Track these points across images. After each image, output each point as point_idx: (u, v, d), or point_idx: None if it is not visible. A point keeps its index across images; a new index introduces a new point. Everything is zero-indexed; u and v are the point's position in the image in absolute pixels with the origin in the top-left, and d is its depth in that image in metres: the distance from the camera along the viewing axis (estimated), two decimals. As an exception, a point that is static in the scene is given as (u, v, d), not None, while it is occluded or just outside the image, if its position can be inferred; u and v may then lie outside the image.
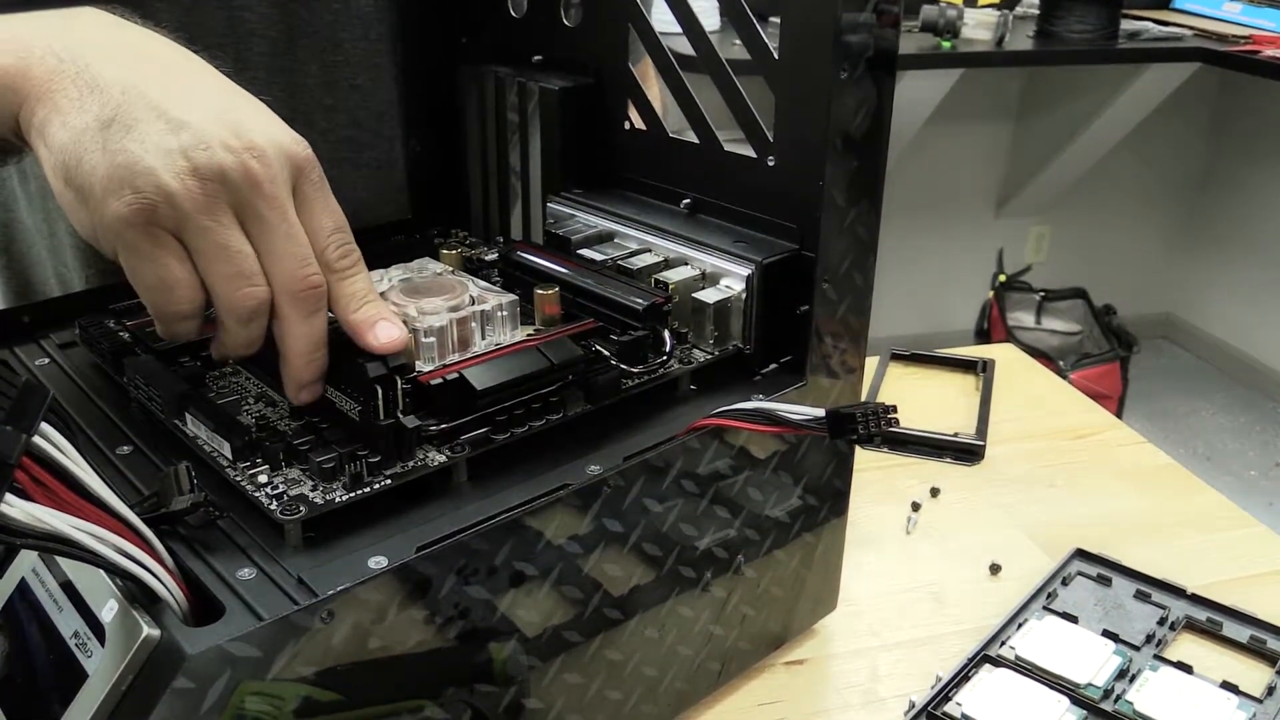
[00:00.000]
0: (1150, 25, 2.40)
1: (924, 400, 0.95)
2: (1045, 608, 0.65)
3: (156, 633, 0.36)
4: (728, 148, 0.57)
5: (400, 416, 0.45)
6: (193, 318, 0.45)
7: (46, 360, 0.57)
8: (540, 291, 0.54)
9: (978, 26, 2.25)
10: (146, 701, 0.35)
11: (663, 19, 0.60)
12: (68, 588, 0.40)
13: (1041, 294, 2.75)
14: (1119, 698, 0.58)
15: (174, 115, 0.43)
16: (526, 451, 0.48)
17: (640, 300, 0.54)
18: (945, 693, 0.58)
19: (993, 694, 0.57)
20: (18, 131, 0.46)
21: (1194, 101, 2.75)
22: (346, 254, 0.46)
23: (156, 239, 0.42)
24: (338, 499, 0.43)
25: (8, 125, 0.46)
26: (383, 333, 0.46)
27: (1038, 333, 2.71)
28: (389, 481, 0.44)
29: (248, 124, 0.44)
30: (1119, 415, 2.49)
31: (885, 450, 0.85)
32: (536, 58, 0.67)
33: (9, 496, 0.33)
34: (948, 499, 0.80)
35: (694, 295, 0.55)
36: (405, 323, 0.49)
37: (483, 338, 0.52)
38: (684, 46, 0.58)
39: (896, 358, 1.02)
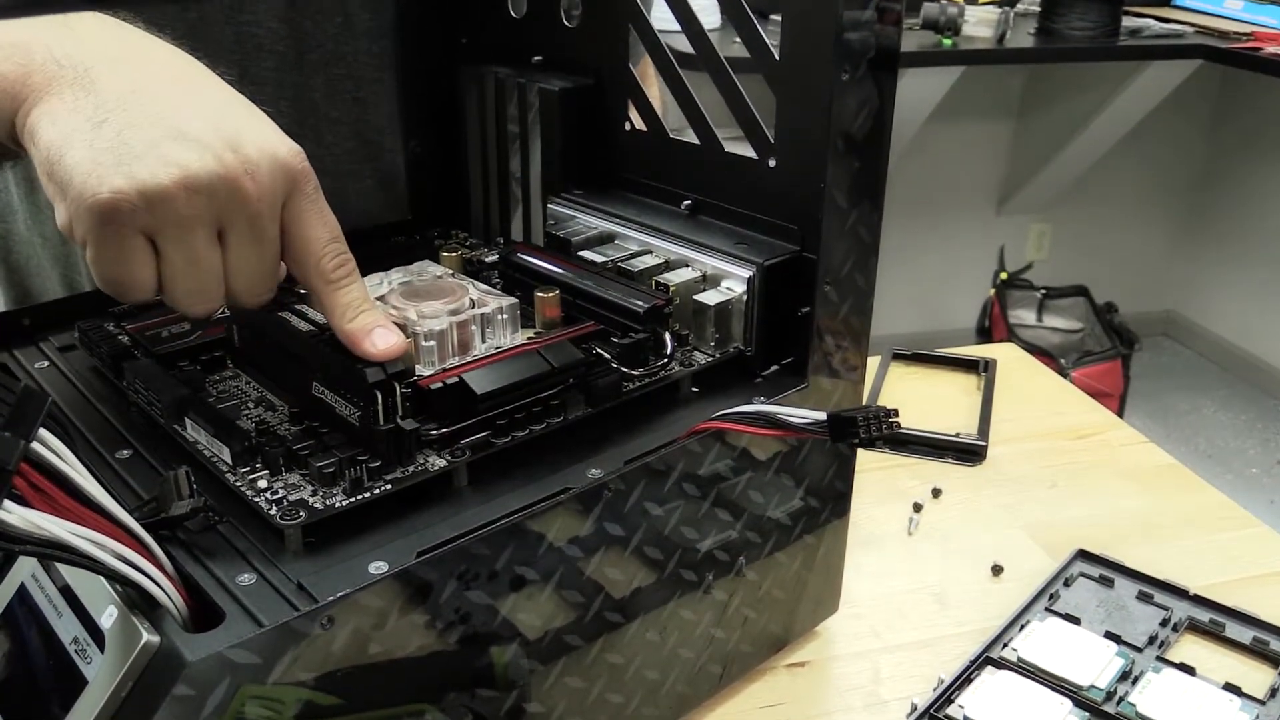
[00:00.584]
0: (1151, 22, 2.39)
1: (925, 400, 0.95)
2: (1047, 609, 0.65)
3: (156, 639, 0.36)
4: (728, 148, 0.57)
5: (400, 421, 0.45)
6: (142, 303, 0.45)
7: (46, 363, 0.57)
8: (540, 294, 0.54)
9: (979, 24, 2.24)
10: (146, 708, 0.35)
11: (662, 18, 0.59)
12: (67, 593, 0.40)
13: (1043, 292, 2.74)
14: (1121, 700, 0.57)
15: (172, 123, 0.42)
16: (527, 455, 0.48)
17: (641, 302, 0.53)
18: (947, 695, 0.58)
19: (995, 696, 0.57)
20: (14, 137, 0.46)
21: (1195, 99, 2.74)
22: (341, 264, 0.46)
23: (126, 239, 0.42)
24: (338, 504, 0.43)
25: (4, 131, 0.46)
26: (380, 340, 0.46)
27: (1039, 330, 2.71)
28: (389, 486, 0.44)
29: (246, 136, 0.43)
30: (1120, 413, 2.49)
31: (887, 450, 0.85)
32: (536, 58, 0.67)
33: (7, 503, 0.33)
34: (949, 499, 0.79)
35: (695, 297, 0.55)
36: (404, 327, 0.48)
37: (483, 341, 0.51)
38: (684, 45, 0.58)
39: (898, 357, 1.02)
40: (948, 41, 2.19)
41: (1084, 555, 0.70)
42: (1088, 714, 0.56)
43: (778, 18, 0.52)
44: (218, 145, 0.42)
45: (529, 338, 0.53)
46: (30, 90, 0.44)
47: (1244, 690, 0.58)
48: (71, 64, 0.44)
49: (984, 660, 0.60)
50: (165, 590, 0.37)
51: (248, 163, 0.43)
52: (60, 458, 0.35)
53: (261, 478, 0.44)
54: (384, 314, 0.47)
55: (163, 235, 0.42)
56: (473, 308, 0.52)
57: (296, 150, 0.45)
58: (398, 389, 0.45)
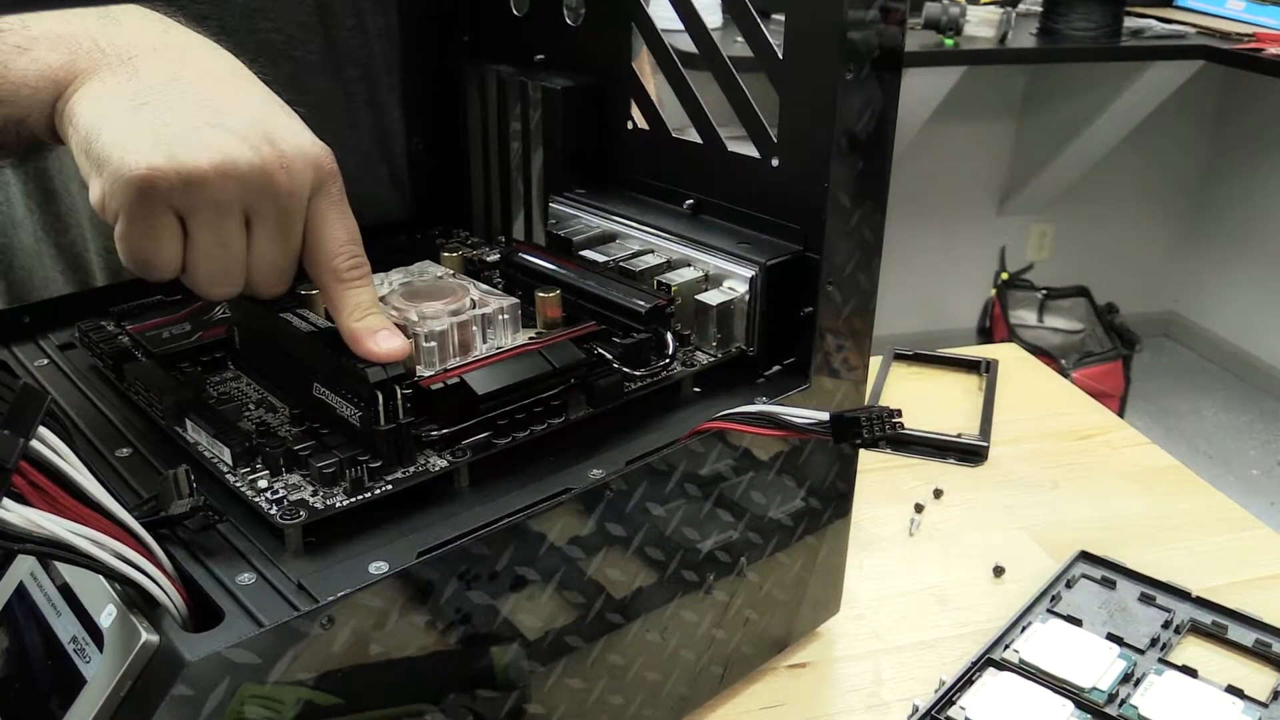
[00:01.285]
0: (1153, 23, 2.39)
1: (927, 400, 0.95)
2: (1049, 610, 0.65)
3: (155, 638, 0.36)
4: (731, 148, 0.57)
5: (401, 422, 0.45)
6: (164, 281, 0.46)
7: (45, 361, 0.57)
8: (542, 294, 0.54)
9: (980, 24, 2.24)
10: (145, 708, 0.35)
11: (665, 16, 0.59)
12: (66, 592, 0.40)
13: (1044, 292, 2.74)
14: (1123, 702, 0.57)
15: (212, 111, 0.43)
16: (528, 455, 0.48)
17: (643, 302, 0.53)
18: (949, 696, 0.57)
19: (996, 698, 0.57)
20: (52, 128, 0.46)
21: (1197, 99, 2.74)
22: (355, 265, 0.47)
23: (159, 216, 0.43)
24: (338, 504, 0.43)
25: (43, 123, 0.46)
26: (383, 341, 0.46)
27: (1040, 331, 2.71)
28: (390, 486, 0.44)
29: (282, 132, 0.44)
30: (1121, 414, 2.48)
31: (888, 451, 0.85)
32: (539, 57, 0.67)
33: (7, 501, 0.33)
34: (951, 500, 0.79)
35: (697, 297, 0.55)
36: (405, 327, 0.48)
37: (484, 341, 0.51)
38: (686, 44, 0.58)
39: (899, 357, 1.02)
40: (949, 41, 2.19)
41: (1086, 557, 0.70)
42: (1089, 716, 0.56)
43: (779, 17, 0.52)
44: (255, 137, 0.43)
45: (530, 338, 0.52)
46: (74, 75, 0.45)
47: (1246, 693, 0.58)
48: (115, 51, 0.45)
49: (985, 661, 0.60)
50: (165, 589, 0.37)
51: (282, 157, 0.44)
52: (60, 456, 0.35)
53: (262, 478, 0.44)
54: (390, 319, 0.48)
55: (194, 217, 0.43)
56: (474, 308, 0.51)
57: (327, 151, 0.46)
58: (399, 390, 0.45)
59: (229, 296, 0.47)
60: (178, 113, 0.43)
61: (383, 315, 0.47)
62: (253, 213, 0.44)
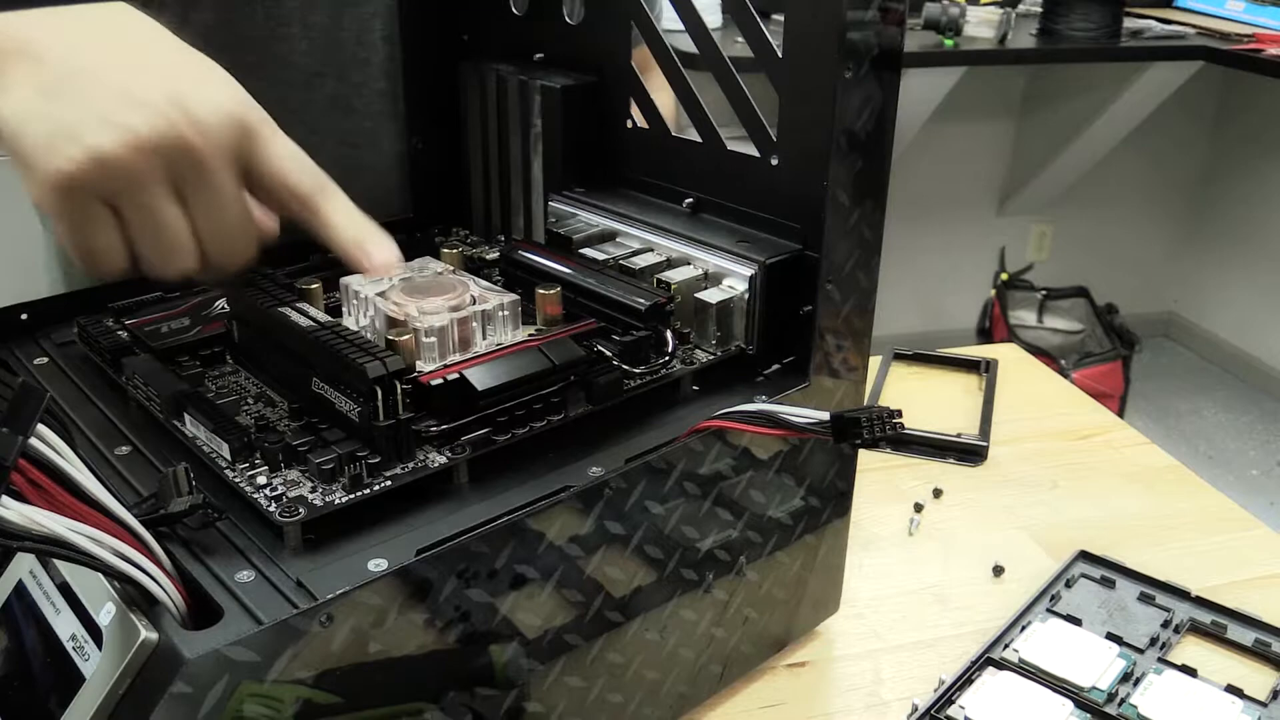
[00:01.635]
0: (1153, 23, 2.39)
1: (927, 400, 0.95)
2: (1048, 610, 0.65)
3: (154, 636, 0.36)
4: (731, 147, 0.57)
5: (400, 417, 0.45)
6: (121, 274, 0.45)
7: (45, 359, 0.57)
8: (542, 291, 0.54)
9: (980, 24, 2.24)
10: (144, 705, 0.35)
11: (665, 16, 0.59)
12: (65, 590, 0.40)
13: (1043, 292, 2.74)
14: (1123, 701, 0.57)
15: (120, 87, 0.42)
16: (528, 452, 0.48)
17: (642, 300, 0.53)
18: (948, 695, 0.57)
19: (996, 697, 0.57)
20: None
21: (1197, 100, 2.74)
22: (314, 180, 0.46)
23: (88, 207, 0.42)
24: (337, 500, 0.43)
25: None
26: (375, 253, 0.45)
27: (1039, 331, 2.71)
28: (389, 483, 0.44)
29: (193, 95, 0.43)
30: (1121, 414, 2.48)
31: (888, 450, 0.85)
32: (538, 55, 0.67)
33: (5, 499, 0.33)
34: (950, 500, 0.79)
35: (696, 295, 0.55)
36: (406, 323, 0.48)
37: (484, 338, 0.51)
38: (686, 44, 0.58)
39: (899, 357, 1.02)
40: (949, 42, 2.19)
41: (1085, 556, 0.70)
42: (1089, 715, 0.56)
43: (779, 17, 0.52)
44: (163, 104, 0.42)
45: (530, 335, 0.52)
46: None
47: (1246, 692, 0.58)
48: (14, 34, 0.43)
49: (985, 661, 0.60)
50: (164, 587, 0.37)
51: (194, 119, 0.42)
52: (59, 454, 0.35)
53: (261, 474, 0.44)
54: (372, 223, 0.47)
55: (120, 199, 0.42)
56: (474, 304, 0.51)
57: (242, 97, 0.44)
58: (398, 385, 0.45)
59: (187, 274, 0.45)
60: (86, 96, 0.41)
61: (361, 219, 0.46)
62: (180, 182, 0.43)
